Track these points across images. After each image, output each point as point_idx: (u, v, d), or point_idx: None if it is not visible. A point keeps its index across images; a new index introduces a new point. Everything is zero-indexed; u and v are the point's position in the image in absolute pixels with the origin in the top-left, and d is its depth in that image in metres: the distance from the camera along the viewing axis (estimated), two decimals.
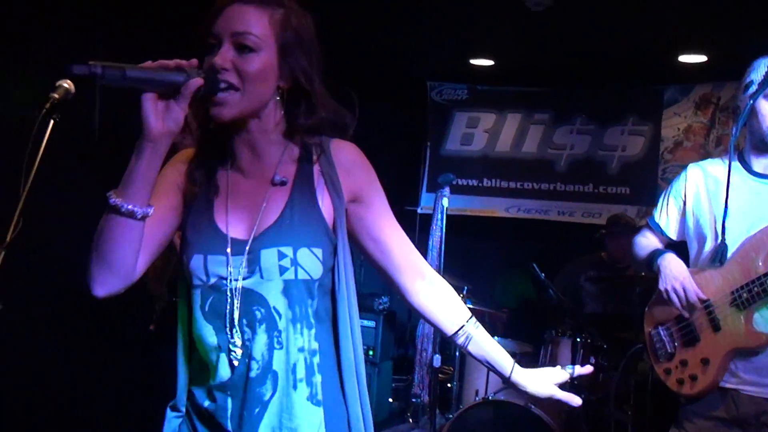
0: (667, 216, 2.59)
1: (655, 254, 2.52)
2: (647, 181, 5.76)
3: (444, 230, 3.97)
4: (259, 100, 1.40)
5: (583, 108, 6.02)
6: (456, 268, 4.55)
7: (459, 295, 4.71)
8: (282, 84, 1.42)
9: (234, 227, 1.44)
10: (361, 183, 1.52)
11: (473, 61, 5.73)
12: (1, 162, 2.63)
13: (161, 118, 1.29)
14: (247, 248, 1.41)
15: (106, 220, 1.34)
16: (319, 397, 1.45)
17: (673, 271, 2.43)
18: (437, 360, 3.97)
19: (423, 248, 4.03)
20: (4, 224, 1.52)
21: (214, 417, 1.45)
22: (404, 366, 5.63)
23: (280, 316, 1.42)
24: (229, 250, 1.42)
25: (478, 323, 1.61)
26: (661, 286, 2.45)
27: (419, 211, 6.15)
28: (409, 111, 6.34)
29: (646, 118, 5.83)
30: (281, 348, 1.42)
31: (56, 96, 2.04)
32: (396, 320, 5.49)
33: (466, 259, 5.43)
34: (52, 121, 1.99)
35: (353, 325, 1.50)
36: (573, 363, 4.17)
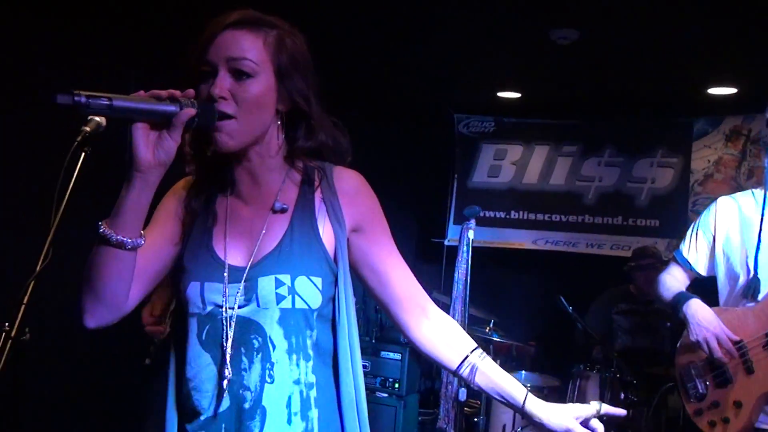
0: (696, 251, 2.54)
1: (680, 300, 2.46)
2: (677, 214, 5.70)
3: (470, 262, 3.95)
4: (259, 127, 1.37)
5: (612, 140, 5.99)
6: (482, 301, 4.52)
7: (486, 327, 4.68)
8: (281, 107, 1.39)
9: (232, 254, 1.40)
10: (363, 212, 1.47)
11: (500, 94, 5.75)
12: (35, 193, 2.69)
13: (152, 148, 1.25)
14: (245, 276, 1.37)
15: (96, 251, 1.31)
16: (315, 431, 1.39)
17: (704, 321, 2.37)
18: (463, 393, 3.92)
19: (449, 280, 4.01)
20: (34, 254, 1.55)
21: None
22: (430, 399, 5.57)
23: (274, 347, 1.36)
24: (226, 275, 1.37)
25: (484, 354, 1.52)
26: (693, 337, 2.39)
27: (446, 243, 6.13)
28: (436, 143, 6.36)
29: (676, 150, 5.78)
30: (272, 382, 1.36)
31: (87, 129, 2.09)
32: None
33: (492, 292, 5.40)
34: (83, 154, 2.04)
35: (354, 357, 1.44)
36: (602, 398, 4.10)
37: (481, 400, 4.53)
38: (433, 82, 5.49)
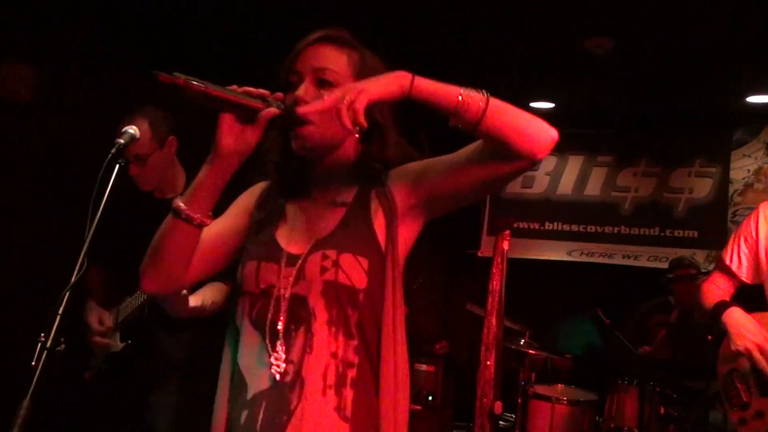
0: (738, 258, 2.49)
1: (720, 308, 2.41)
2: (716, 225, 5.59)
3: (505, 274, 3.91)
4: (336, 135, 1.45)
5: (648, 150, 5.91)
6: (517, 313, 4.47)
7: (521, 340, 4.63)
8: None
9: (292, 245, 1.46)
10: (407, 178, 1.48)
11: (533, 104, 5.70)
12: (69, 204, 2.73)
13: (234, 138, 1.36)
14: (299, 261, 1.42)
15: (166, 222, 1.43)
16: (348, 412, 1.38)
17: (745, 330, 2.32)
18: (498, 407, 3.88)
19: (483, 292, 3.97)
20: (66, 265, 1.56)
21: (246, 428, 1.41)
22: (465, 412, 5.52)
23: (315, 318, 1.39)
24: (283, 261, 1.43)
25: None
26: (735, 347, 2.33)
27: (479, 254, 6.08)
28: None
29: (714, 159, 5.68)
30: (311, 352, 1.38)
31: (122, 141, 2.12)
32: (456, 365, 5.41)
33: (527, 304, 5.33)
34: (117, 166, 2.06)
35: (397, 348, 1.42)
36: (641, 412, 4.03)
37: (516, 414, 4.48)
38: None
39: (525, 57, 4.56)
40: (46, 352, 1.60)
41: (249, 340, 1.44)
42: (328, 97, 1.28)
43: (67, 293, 1.71)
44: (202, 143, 1.45)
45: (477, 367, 4.00)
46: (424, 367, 4.81)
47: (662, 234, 5.81)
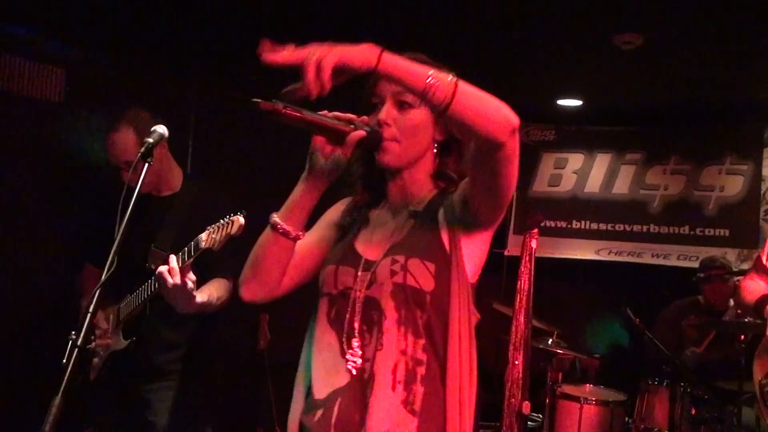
0: None
1: (762, 302, 2.38)
2: (748, 223, 5.49)
3: (533, 273, 3.88)
4: (417, 150, 1.57)
5: (678, 147, 5.82)
6: (545, 313, 4.43)
7: (549, 339, 4.60)
8: (438, 137, 1.59)
9: (369, 252, 1.58)
10: (463, 187, 1.57)
11: (561, 102, 5.66)
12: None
13: (326, 158, 1.51)
14: (374, 266, 1.53)
15: (264, 236, 1.59)
16: (416, 407, 1.47)
17: None
18: (526, 407, 3.85)
19: (510, 291, 3.94)
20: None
21: (320, 427, 1.51)
22: (492, 412, 5.48)
23: (386, 317, 1.49)
24: (361, 266, 1.55)
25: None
26: None
27: (506, 253, 6.04)
28: None
29: (746, 156, 5.58)
30: (381, 349, 1.48)
31: (151, 141, 2.13)
32: (483, 365, 5.38)
33: (555, 303, 5.28)
34: (146, 165, 2.07)
35: (464, 349, 1.51)
36: (672, 413, 3.97)
37: (544, 414, 4.44)
38: (491, 89, 5.43)
39: (553, 54, 4.52)
40: (77, 349, 1.61)
41: (326, 338, 1.55)
42: (298, 53, 1.30)
43: (98, 291, 1.71)
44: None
45: (505, 366, 3.98)
46: None
47: (692, 233, 5.72)
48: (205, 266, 2.50)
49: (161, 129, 2.21)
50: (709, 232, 5.65)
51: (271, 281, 1.62)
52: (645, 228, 5.88)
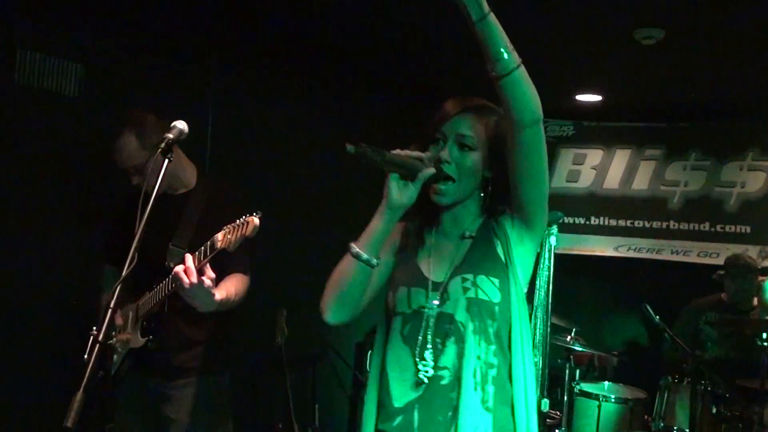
0: None
1: None
2: None
3: (552, 270, 3.85)
4: (470, 188, 1.80)
5: (698, 143, 5.76)
6: (564, 309, 4.41)
7: (567, 336, 4.58)
8: (487, 174, 1.81)
9: (433, 273, 1.80)
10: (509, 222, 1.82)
11: (579, 97, 5.61)
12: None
13: (400, 193, 1.70)
14: (442, 286, 1.75)
15: (347, 264, 1.76)
16: (490, 404, 1.69)
17: None
18: (545, 404, 3.83)
19: (530, 288, 3.92)
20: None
21: (402, 430, 1.71)
22: None
23: (464, 328, 1.71)
24: (429, 287, 1.77)
25: None
26: None
27: None
28: None
29: (767, 152, 5.52)
30: (463, 357, 1.69)
31: (170, 136, 2.12)
32: None
33: (574, 300, 5.26)
34: (166, 161, 2.07)
35: (525, 349, 1.74)
36: (692, 412, 3.94)
37: (562, 411, 4.41)
38: None
39: (573, 48, 4.47)
40: (98, 345, 1.61)
41: (399, 352, 1.76)
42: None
43: (119, 287, 1.72)
44: None
45: None
46: None
47: (713, 229, 5.66)
48: (220, 263, 2.50)
49: (180, 124, 2.20)
50: (730, 228, 5.59)
51: (354, 304, 1.80)
52: (665, 224, 5.83)
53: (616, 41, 4.23)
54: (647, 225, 5.89)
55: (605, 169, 6.08)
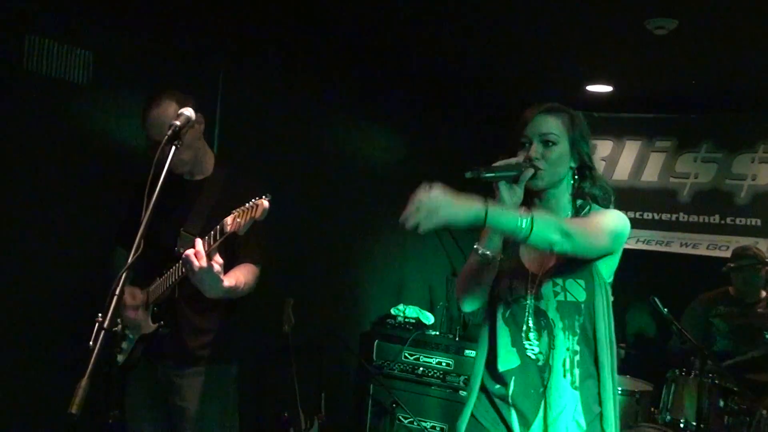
0: None
1: None
2: None
3: None
4: (558, 176, 2.08)
5: (709, 134, 5.73)
6: None
7: None
8: (572, 164, 2.10)
9: (530, 264, 2.11)
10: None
11: (590, 88, 5.57)
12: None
13: (511, 196, 2.00)
14: (537, 281, 2.06)
15: (474, 262, 2.09)
16: (577, 384, 2.04)
17: None
18: None
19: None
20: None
21: (498, 394, 2.11)
22: None
23: (555, 325, 2.05)
24: (528, 279, 2.08)
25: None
26: None
27: None
28: None
29: None
30: (555, 348, 2.04)
31: (178, 124, 2.12)
32: None
33: None
34: (174, 148, 2.07)
35: (608, 336, 2.05)
36: (700, 405, 3.92)
37: None
38: (520, 74, 5.38)
39: (583, 38, 4.44)
40: (103, 332, 1.61)
41: (502, 332, 2.11)
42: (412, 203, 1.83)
43: (124, 274, 1.71)
44: None
45: None
46: (473, 353, 4.76)
47: (723, 222, 5.63)
48: (232, 252, 2.50)
49: (188, 112, 2.19)
50: (740, 221, 5.56)
51: (482, 292, 2.15)
52: (674, 216, 5.81)
53: (628, 32, 4.19)
54: (657, 217, 5.87)
55: (615, 160, 6.05)
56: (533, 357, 2.05)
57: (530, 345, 2.06)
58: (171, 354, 2.61)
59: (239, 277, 2.46)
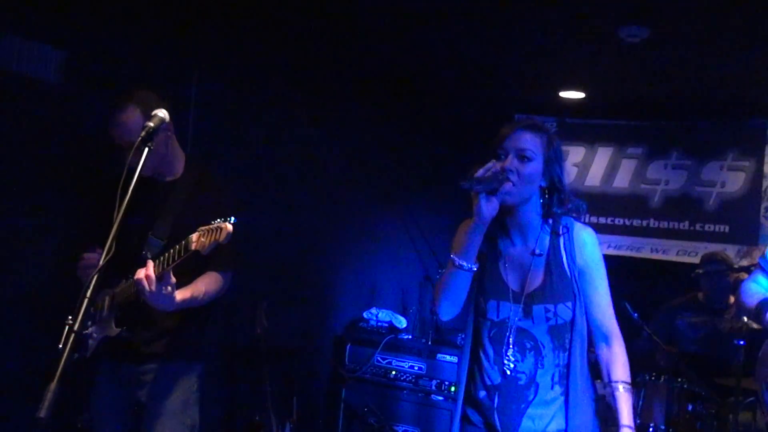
0: None
1: (765, 306, 2.35)
2: (748, 219, 5.49)
3: None
4: (528, 193, 2.12)
5: (680, 142, 5.80)
6: None
7: None
8: (543, 185, 2.14)
9: (512, 282, 2.18)
10: (588, 260, 2.18)
11: (563, 94, 5.62)
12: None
13: (488, 207, 2.03)
14: (522, 300, 2.14)
15: (451, 273, 2.12)
16: (563, 390, 2.13)
17: None
18: None
19: None
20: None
21: (482, 406, 2.18)
22: None
23: (544, 347, 2.13)
24: (510, 298, 2.15)
25: (627, 387, 2.18)
26: None
27: None
28: None
29: (748, 153, 5.57)
30: (543, 368, 2.12)
31: (151, 125, 2.11)
32: None
33: None
34: (147, 149, 2.05)
35: (582, 345, 2.15)
36: (669, 409, 3.96)
37: None
38: (493, 81, 5.41)
39: (557, 45, 4.48)
40: (73, 335, 1.59)
41: (486, 350, 2.18)
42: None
43: (95, 277, 1.69)
44: None
45: None
46: (446, 357, 4.78)
47: (692, 228, 5.71)
48: (203, 258, 2.49)
49: (162, 113, 2.18)
50: (709, 227, 5.64)
51: (459, 303, 2.17)
52: (645, 222, 5.87)
53: (600, 39, 4.24)
54: (627, 223, 5.93)
55: (587, 166, 6.11)
56: (515, 376, 2.12)
57: (508, 362, 2.12)
58: (134, 354, 2.61)
59: (198, 288, 2.49)
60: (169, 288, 2.27)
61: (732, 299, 4.62)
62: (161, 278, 2.24)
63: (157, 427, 2.57)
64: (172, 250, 2.23)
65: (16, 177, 2.99)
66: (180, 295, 2.36)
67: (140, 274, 2.23)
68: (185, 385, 2.66)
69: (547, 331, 2.12)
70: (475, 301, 2.22)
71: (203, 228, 2.15)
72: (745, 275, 3.41)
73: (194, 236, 2.16)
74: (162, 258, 2.26)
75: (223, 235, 2.09)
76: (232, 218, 2.12)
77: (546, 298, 2.12)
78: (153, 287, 2.22)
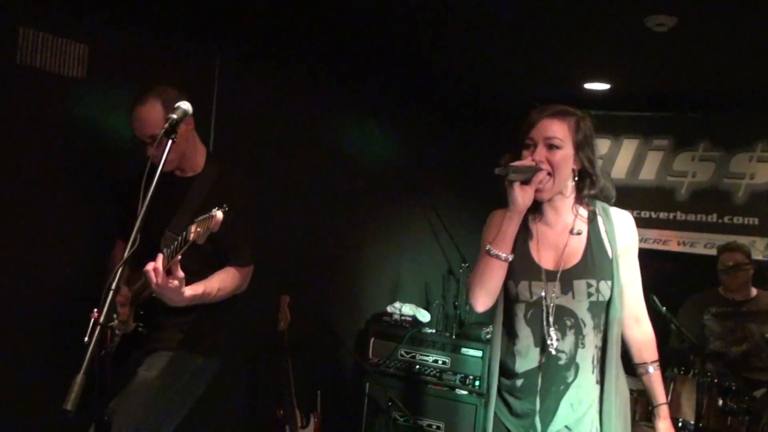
0: None
1: None
2: None
3: None
4: (563, 181, 2.13)
5: (707, 133, 5.71)
6: None
7: None
8: (575, 167, 2.14)
9: (544, 261, 2.16)
10: (628, 243, 2.19)
11: (587, 86, 5.55)
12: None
13: (523, 197, 2.05)
14: (558, 276, 2.12)
15: (487, 263, 2.12)
16: (599, 377, 2.14)
17: None
18: None
19: None
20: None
21: (523, 392, 2.16)
22: None
23: (585, 325, 2.12)
24: (543, 277, 2.13)
25: (657, 367, 2.25)
26: None
27: None
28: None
29: None
30: (583, 347, 2.12)
31: (175, 117, 2.10)
32: None
33: None
34: (170, 141, 2.04)
35: (618, 329, 2.15)
36: (698, 404, 3.90)
37: None
38: (516, 72, 5.35)
39: (582, 35, 4.42)
40: (99, 327, 1.58)
41: (524, 332, 2.16)
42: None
43: (120, 269, 1.69)
44: None
45: None
46: (470, 351, 4.75)
47: (720, 220, 5.63)
48: (223, 253, 2.49)
49: (185, 105, 2.17)
50: (737, 220, 5.55)
51: (495, 292, 2.15)
52: (671, 215, 5.80)
53: (626, 29, 4.17)
54: (654, 215, 5.86)
55: (612, 158, 6.04)
56: (555, 355, 2.10)
57: (554, 342, 2.10)
58: (147, 347, 2.62)
59: (211, 284, 2.48)
60: (176, 282, 2.25)
61: (754, 291, 4.55)
62: (169, 271, 2.23)
63: (129, 394, 2.51)
64: (175, 243, 2.23)
65: (40, 172, 3.00)
66: (191, 290, 2.35)
67: (149, 266, 2.23)
68: (180, 372, 2.62)
69: (588, 308, 2.11)
70: (505, 286, 2.18)
71: (198, 218, 2.15)
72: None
73: (192, 227, 2.16)
74: (167, 251, 2.26)
75: (213, 223, 2.09)
76: (224, 206, 2.11)
77: (588, 274, 2.11)
78: (159, 279, 2.21)
